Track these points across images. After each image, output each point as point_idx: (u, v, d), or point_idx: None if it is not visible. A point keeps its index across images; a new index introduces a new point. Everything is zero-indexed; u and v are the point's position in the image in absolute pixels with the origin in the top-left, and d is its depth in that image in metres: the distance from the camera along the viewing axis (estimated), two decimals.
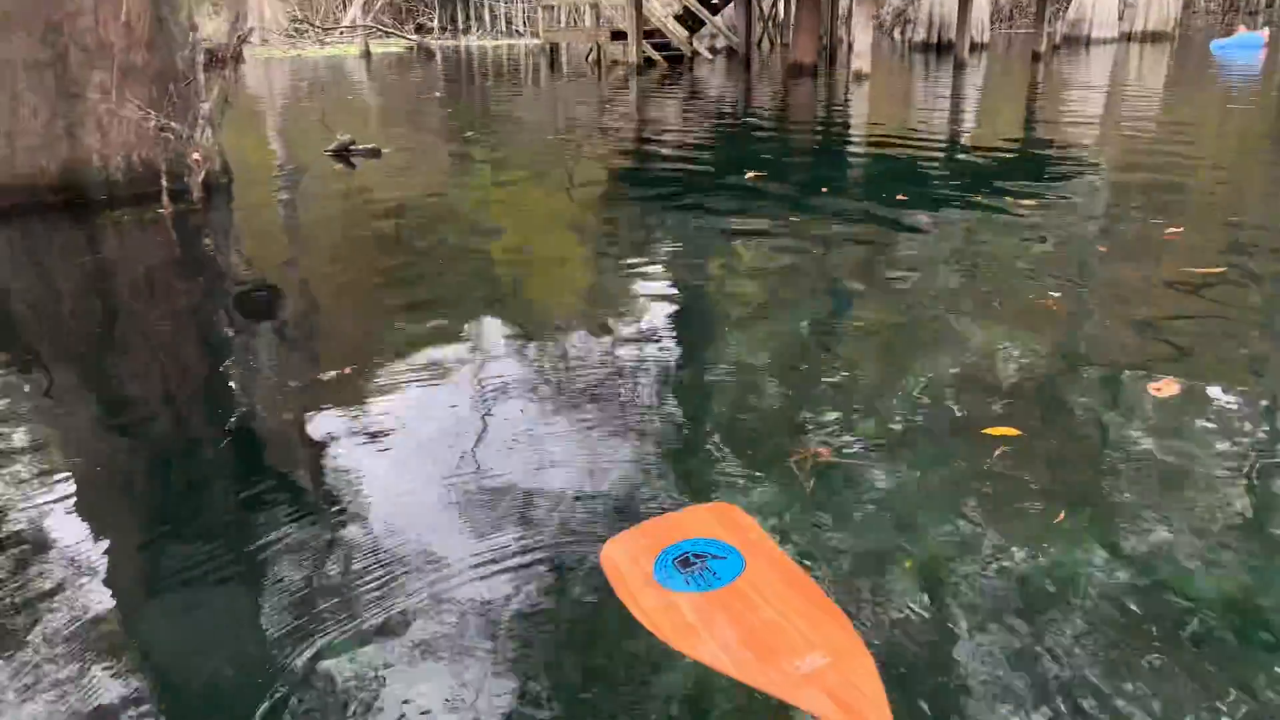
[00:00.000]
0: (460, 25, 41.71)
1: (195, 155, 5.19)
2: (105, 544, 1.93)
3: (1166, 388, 2.63)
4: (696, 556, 1.58)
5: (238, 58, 4.76)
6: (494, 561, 1.78)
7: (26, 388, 2.90)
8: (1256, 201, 5.44)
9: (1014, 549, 1.78)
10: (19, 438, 2.47)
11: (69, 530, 1.98)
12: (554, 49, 21.85)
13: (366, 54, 24.82)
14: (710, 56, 19.36)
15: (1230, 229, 4.61)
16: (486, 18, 41.13)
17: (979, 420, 2.37)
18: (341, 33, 29.98)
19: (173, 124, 5.09)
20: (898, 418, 2.41)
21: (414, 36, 30.39)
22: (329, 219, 5.41)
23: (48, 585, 1.76)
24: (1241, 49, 19.83)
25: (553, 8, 23.80)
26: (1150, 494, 2.00)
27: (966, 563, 1.74)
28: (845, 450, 2.22)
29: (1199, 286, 3.58)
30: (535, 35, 32.76)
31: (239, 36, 5.40)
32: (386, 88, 15.82)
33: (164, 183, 5.15)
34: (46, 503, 2.09)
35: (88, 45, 5.48)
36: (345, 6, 35.40)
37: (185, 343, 3.37)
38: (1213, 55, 18.54)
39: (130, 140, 5.62)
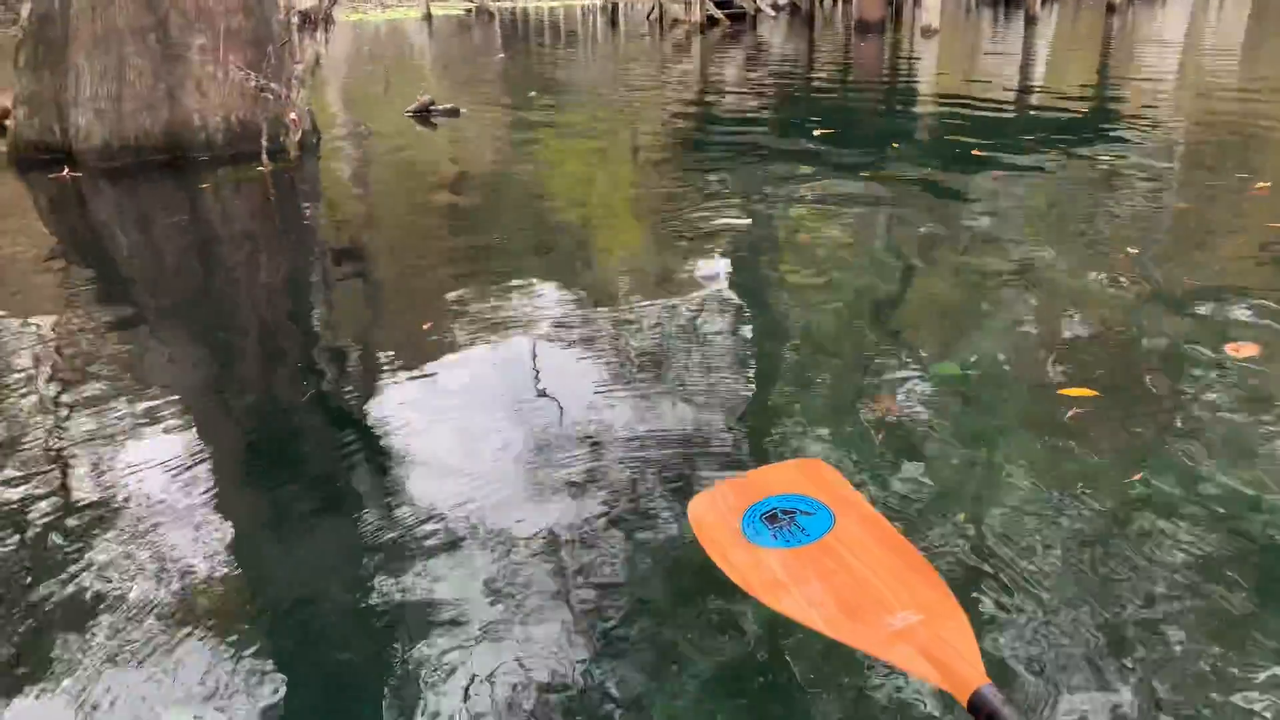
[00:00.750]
0: None
1: (292, 115, 5.39)
2: (198, 487, 2.03)
3: (1245, 349, 2.58)
4: (784, 513, 1.55)
5: (328, 21, 4.91)
6: (584, 519, 1.83)
7: (142, 337, 3.11)
8: None
9: (1088, 509, 1.80)
10: (121, 384, 2.64)
11: (167, 475, 2.08)
12: (614, 9, 21.77)
13: (428, 17, 24.98)
14: (773, 14, 19.17)
15: None
16: None
17: (1054, 379, 2.39)
18: None
19: (271, 85, 5.29)
20: (972, 375, 2.44)
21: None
22: (415, 176, 5.58)
23: (142, 530, 1.86)
24: None
25: None
26: (1226, 454, 2.00)
27: (1039, 521, 1.77)
28: (918, 407, 2.26)
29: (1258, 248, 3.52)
30: None
31: (330, 1, 5.52)
32: (452, 50, 15.97)
33: (264, 142, 5.35)
34: (146, 447, 2.21)
35: (187, 10, 5.69)
36: None
37: (284, 294, 3.58)
38: None
39: (228, 101, 5.85)
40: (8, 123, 7.50)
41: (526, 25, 21.97)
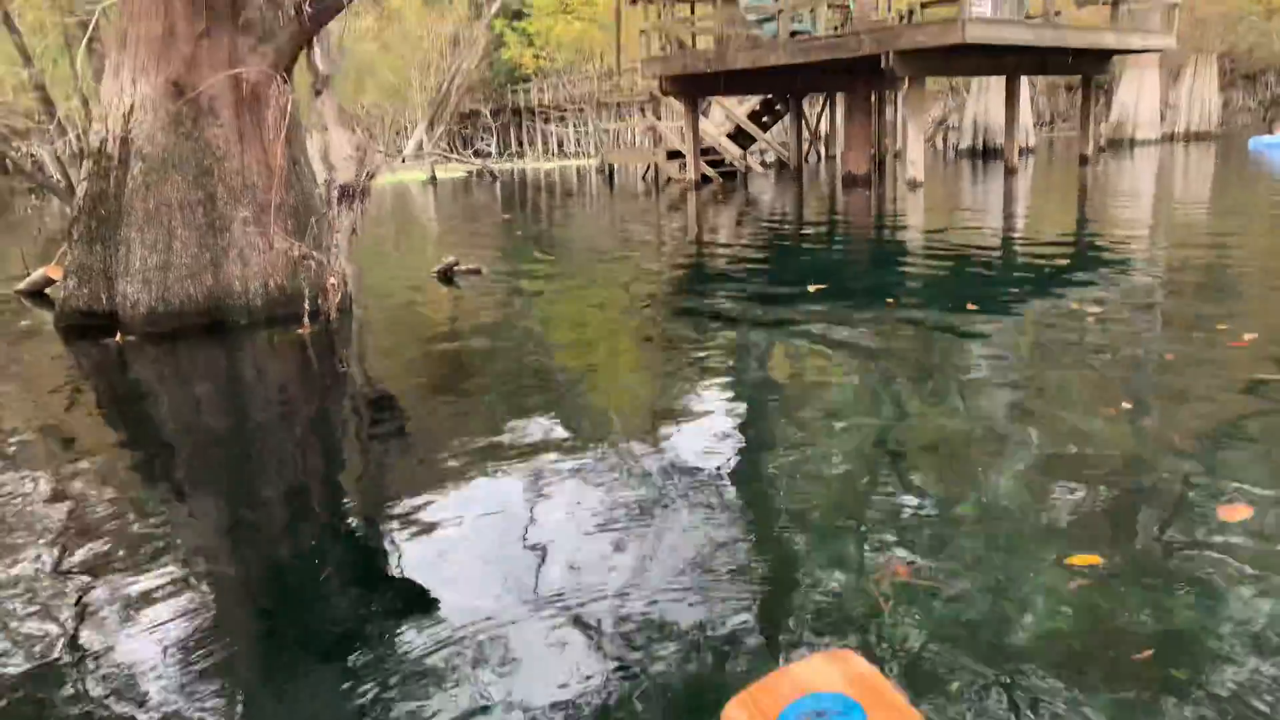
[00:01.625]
0: (516, 149, 43.62)
1: (331, 280, 5.73)
2: (214, 649, 2.17)
3: (1239, 512, 2.62)
4: (818, 715, 1.55)
5: (365, 193, 5.28)
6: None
7: (174, 497, 3.30)
8: None
9: (1099, 687, 1.86)
10: (151, 539, 2.83)
11: (187, 619, 2.28)
12: (611, 169, 22.86)
13: (433, 179, 26.13)
14: (763, 171, 20.14)
15: None
16: (539, 140, 43.04)
17: (1054, 541, 2.50)
18: (404, 160, 31.62)
19: (313, 253, 5.65)
20: (973, 535, 2.54)
21: (475, 161, 31.91)
22: (442, 336, 5.88)
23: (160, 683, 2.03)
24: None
25: (610, 131, 24.97)
26: (1228, 626, 2.06)
27: (1055, 691, 1.85)
28: (924, 564, 2.37)
29: (1271, 397, 3.67)
30: (589, 156, 34.21)
31: (368, 174, 5.97)
32: (459, 211, 16.72)
33: (305, 306, 5.67)
34: (166, 608, 2.37)
35: (233, 186, 6.13)
36: (406, 134, 37.35)
37: (313, 454, 3.80)
38: (1252, 153, 18.79)
39: (267, 268, 6.21)
40: (47, 291, 7.88)
41: (530, 186, 22.98)
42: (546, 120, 41.45)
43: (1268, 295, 5.71)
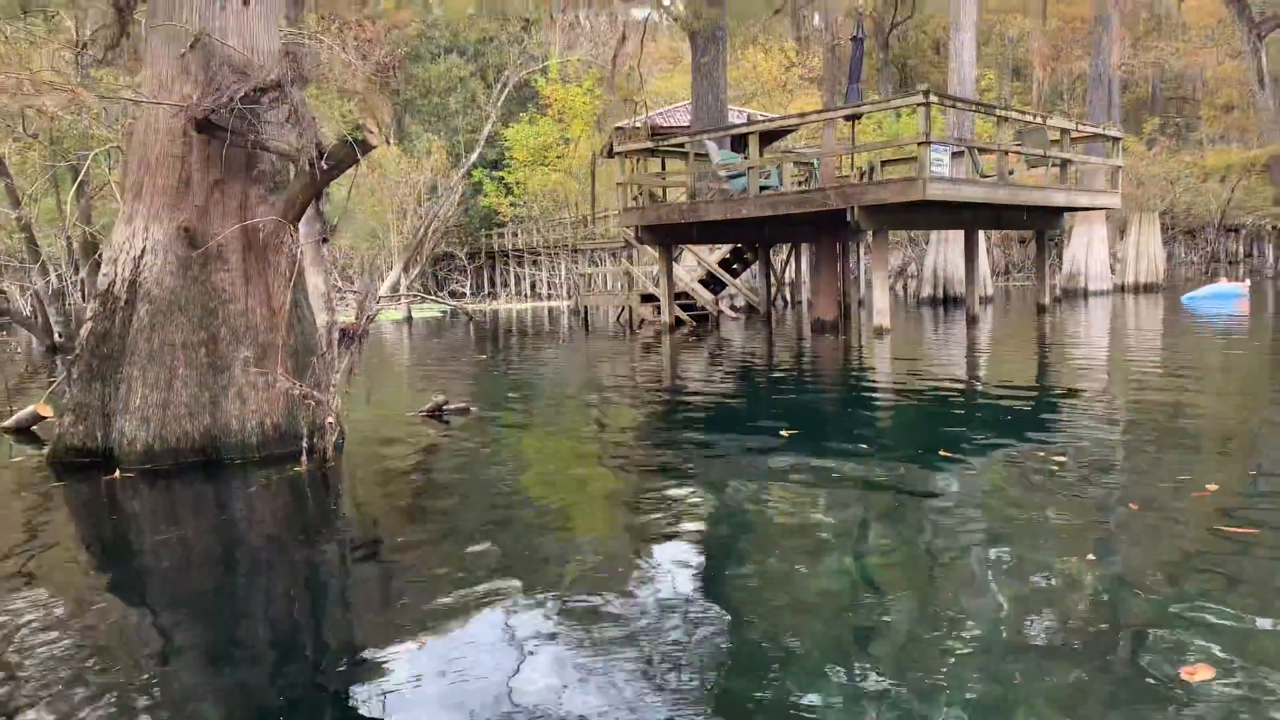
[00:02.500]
0: (490, 290, 44.53)
1: (329, 419, 5.87)
2: None
3: (1200, 672, 2.68)
4: None
5: (364, 336, 5.46)
6: None
7: (158, 634, 3.36)
8: (1272, 450, 5.96)
9: None
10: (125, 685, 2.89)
11: None
12: (585, 310, 23.43)
13: (408, 318, 26.56)
14: (733, 315, 20.75)
15: (1254, 480, 5.01)
16: (512, 282, 44.04)
17: (1025, 700, 2.58)
18: (379, 301, 32.19)
19: (314, 393, 5.81)
20: (946, 695, 2.60)
21: (450, 302, 32.51)
22: (430, 474, 6.00)
23: None
24: (1215, 299, 21.02)
25: (587, 275, 25.71)
26: None
27: None
28: None
29: (1233, 549, 3.79)
30: (563, 298, 35.02)
31: (368, 318, 6.22)
32: (437, 349, 17.01)
33: (304, 444, 5.80)
34: None
35: (237, 327, 6.33)
36: (382, 276, 38.10)
37: (298, 592, 3.89)
38: (1187, 308, 19.58)
39: (264, 408, 6.34)
40: (35, 429, 7.92)
41: (505, 326, 23.42)
42: (520, 263, 42.55)
43: (1223, 446, 6.00)
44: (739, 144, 17.73)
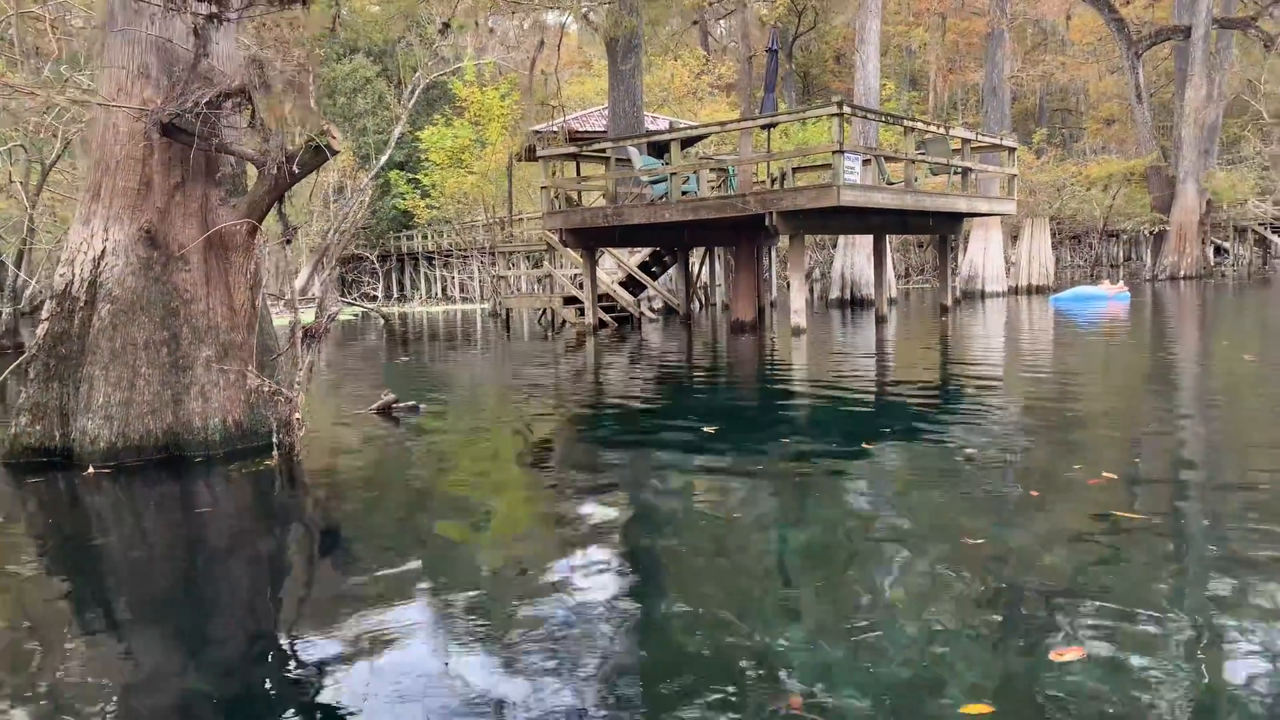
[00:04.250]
0: (401, 293, 44.12)
1: (296, 415, 6.07)
2: None
3: (1069, 653, 2.80)
4: None
5: (325, 334, 5.62)
6: None
7: (116, 637, 3.60)
8: (1154, 439, 6.67)
9: None
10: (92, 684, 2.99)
11: None
12: (507, 313, 23.61)
13: None
14: (654, 317, 21.24)
15: (1139, 468, 5.47)
16: (423, 285, 43.73)
17: (911, 679, 2.76)
18: (285, 302, 31.64)
19: (282, 390, 6.01)
20: (857, 665, 2.79)
21: (365, 305, 32.20)
22: (390, 470, 6.26)
23: None
24: (1078, 301, 22.23)
25: (505, 278, 25.86)
26: None
27: None
28: (814, 702, 2.56)
29: (1121, 534, 4.06)
30: (480, 301, 35.02)
31: (328, 317, 6.43)
32: (359, 352, 17.01)
33: (274, 439, 6.00)
34: None
35: (199, 327, 6.47)
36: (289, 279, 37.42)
37: (256, 587, 4.13)
38: (1054, 309, 20.72)
39: (226, 405, 6.50)
40: None
41: (417, 329, 23.40)
42: (432, 265, 42.29)
43: (1114, 436, 6.64)
44: (657, 150, 18.23)
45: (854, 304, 25.22)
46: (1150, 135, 38.11)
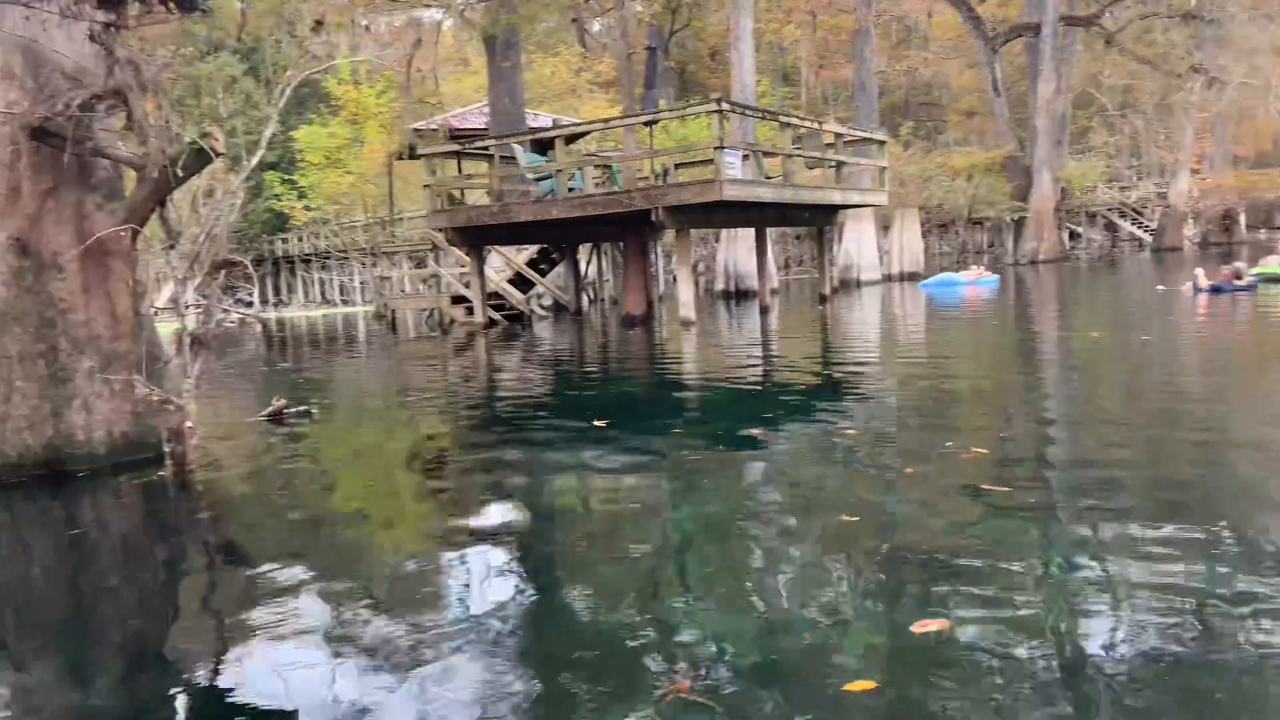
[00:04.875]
0: (279, 298, 42.73)
1: (187, 424, 5.95)
2: None
3: (932, 625, 2.90)
4: None
5: (210, 342, 5.48)
6: None
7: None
8: (1018, 415, 7.16)
9: None
10: None
11: None
12: (393, 315, 23.24)
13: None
14: (544, 314, 21.28)
15: (1007, 443, 5.80)
16: (300, 289, 42.47)
17: (811, 647, 2.91)
18: (158, 312, 30.32)
19: (171, 398, 5.88)
20: (748, 650, 2.87)
21: (242, 310, 31.11)
22: (283, 477, 6.21)
23: None
24: (943, 286, 23.28)
25: (389, 279, 25.42)
26: None
27: None
28: (703, 683, 2.65)
29: (989, 506, 4.27)
30: (363, 303, 34.26)
31: (215, 323, 6.31)
32: (239, 360, 16.50)
33: (166, 449, 5.86)
34: None
35: (78, 337, 6.25)
36: (158, 287, 35.85)
37: (142, 601, 4.12)
38: (923, 293, 21.77)
39: (111, 417, 6.30)
40: None
41: (298, 334, 22.82)
42: (310, 268, 41.12)
43: (982, 413, 7.12)
44: (541, 147, 18.27)
45: (739, 295, 25.80)
46: (1008, 127, 40.19)
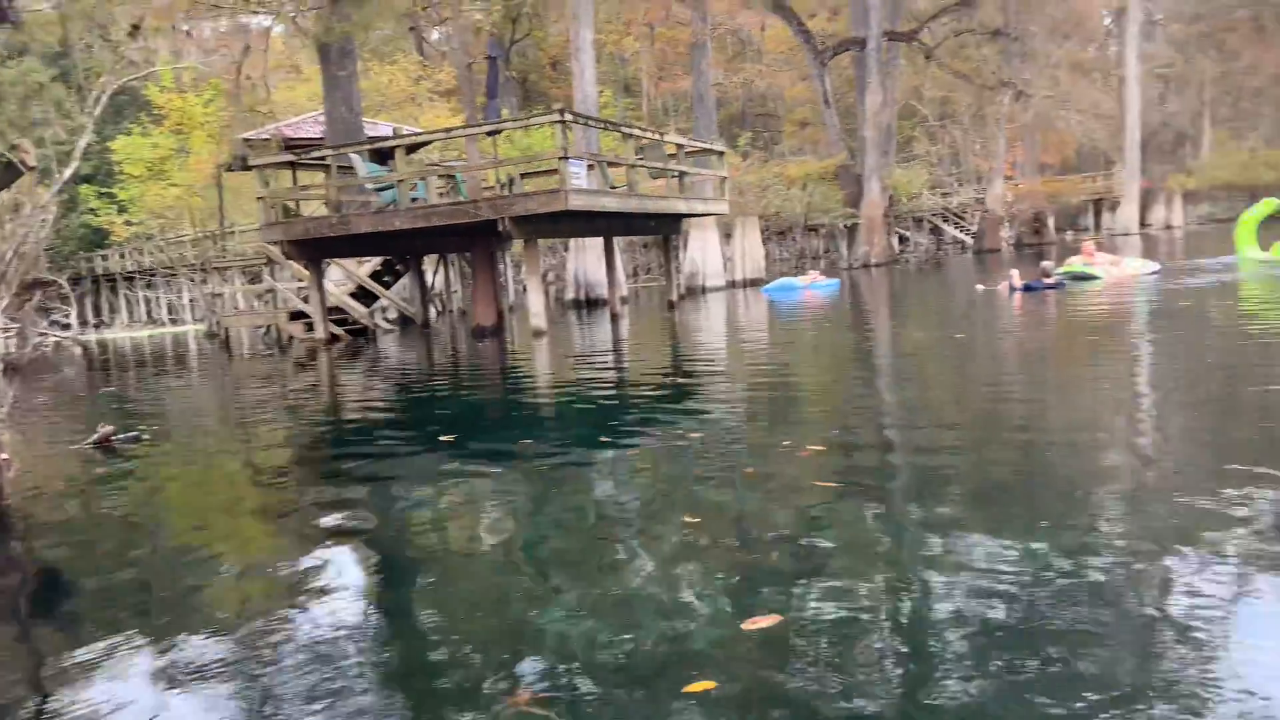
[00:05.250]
0: (100, 319, 40.03)
1: (2, 455, 5.53)
2: None
3: (761, 621, 2.89)
4: None
5: (25, 367, 5.10)
6: None
7: None
8: (854, 412, 7.53)
9: None
10: None
11: None
12: (226, 333, 22.21)
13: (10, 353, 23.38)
14: (389, 327, 20.81)
15: (842, 440, 5.99)
16: (125, 308, 39.96)
17: (632, 654, 2.89)
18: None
19: None
20: (589, 657, 2.87)
21: (58, 333, 28.99)
22: (108, 506, 5.87)
23: None
24: (782, 290, 24.16)
25: (221, 296, 24.27)
26: None
27: None
28: (545, 696, 2.63)
29: (823, 503, 4.34)
30: (189, 321, 32.53)
31: (31, 348, 5.90)
32: (58, 384, 15.40)
33: None
34: None
35: None
36: None
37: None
38: (764, 297, 22.52)
39: None
40: None
41: (122, 356, 21.49)
42: (133, 285, 38.74)
43: (821, 412, 7.35)
44: (381, 157, 17.89)
45: (589, 304, 25.96)
46: (839, 137, 42.11)
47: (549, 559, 4.07)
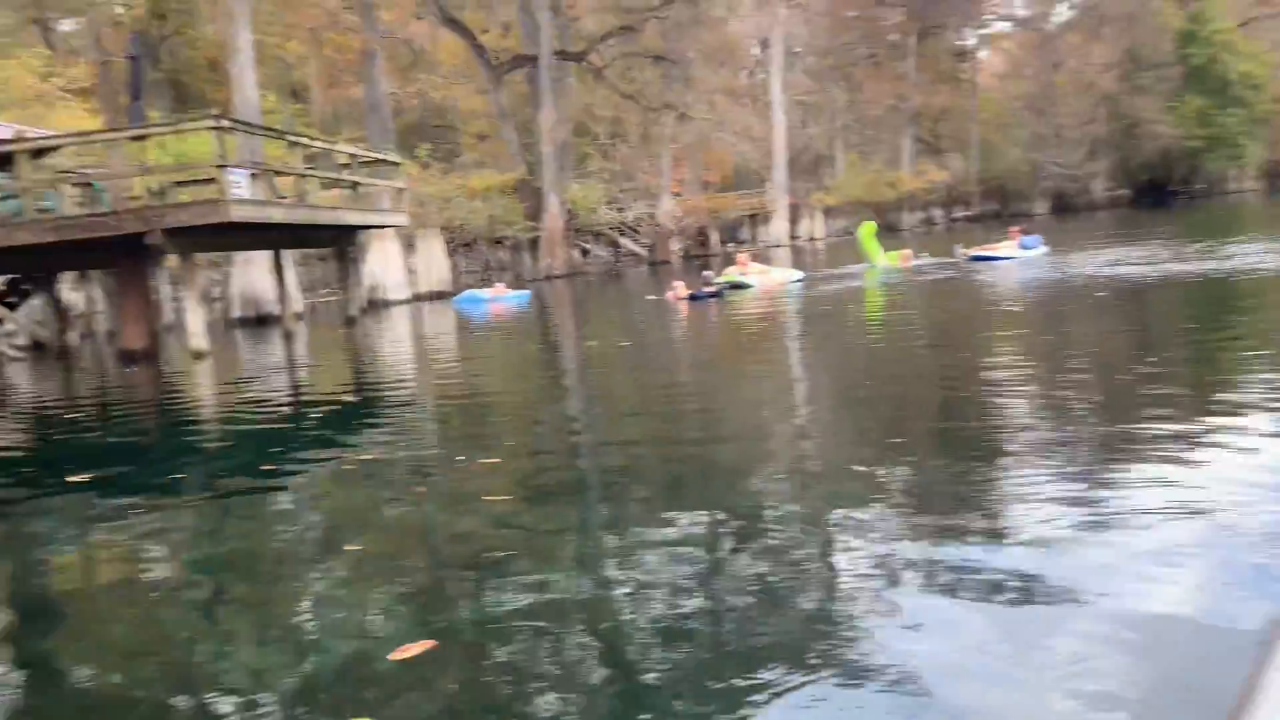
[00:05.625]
0: None
1: None
2: None
3: (411, 650, 2.85)
4: None
5: None
6: None
7: None
8: (531, 424, 7.65)
9: None
10: None
11: None
12: None
13: None
14: (19, 355, 18.30)
15: (521, 454, 6.00)
16: None
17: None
18: None
19: None
20: (239, 700, 2.78)
21: None
22: None
23: None
24: (470, 302, 24.22)
25: None
26: None
27: None
28: None
29: (491, 516, 4.34)
30: None
31: None
32: None
33: None
34: None
35: None
36: None
37: None
38: (453, 310, 22.53)
39: None
40: None
41: None
42: None
43: (498, 425, 7.28)
44: (1, 162, 15.69)
45: (259, 321, 24.37)
46: (518, 152, 42.81)
47: (197, 600, 3.82)
